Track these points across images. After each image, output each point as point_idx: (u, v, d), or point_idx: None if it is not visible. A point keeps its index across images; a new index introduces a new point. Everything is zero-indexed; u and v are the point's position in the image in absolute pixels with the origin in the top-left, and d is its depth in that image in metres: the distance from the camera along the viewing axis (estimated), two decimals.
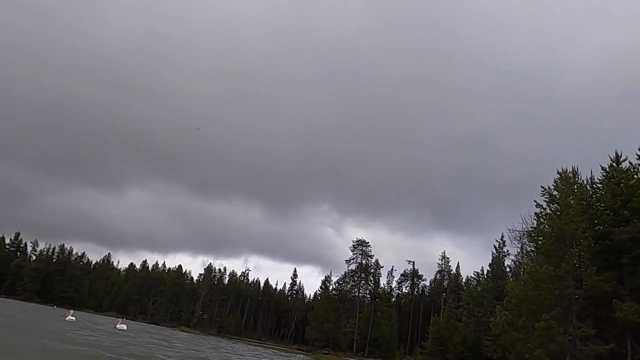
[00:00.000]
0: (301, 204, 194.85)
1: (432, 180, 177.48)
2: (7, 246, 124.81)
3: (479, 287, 60.33)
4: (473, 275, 66.67)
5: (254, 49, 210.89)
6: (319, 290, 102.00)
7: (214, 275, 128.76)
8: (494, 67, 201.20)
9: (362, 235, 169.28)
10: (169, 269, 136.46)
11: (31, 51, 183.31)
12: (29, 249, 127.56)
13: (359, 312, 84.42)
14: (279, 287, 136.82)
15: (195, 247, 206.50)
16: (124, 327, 36.09)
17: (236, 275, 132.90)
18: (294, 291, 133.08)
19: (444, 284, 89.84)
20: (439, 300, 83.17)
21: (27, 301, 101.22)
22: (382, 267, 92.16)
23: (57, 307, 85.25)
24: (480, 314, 52.64)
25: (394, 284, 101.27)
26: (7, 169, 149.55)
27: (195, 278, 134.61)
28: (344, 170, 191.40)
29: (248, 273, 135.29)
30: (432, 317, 75.50)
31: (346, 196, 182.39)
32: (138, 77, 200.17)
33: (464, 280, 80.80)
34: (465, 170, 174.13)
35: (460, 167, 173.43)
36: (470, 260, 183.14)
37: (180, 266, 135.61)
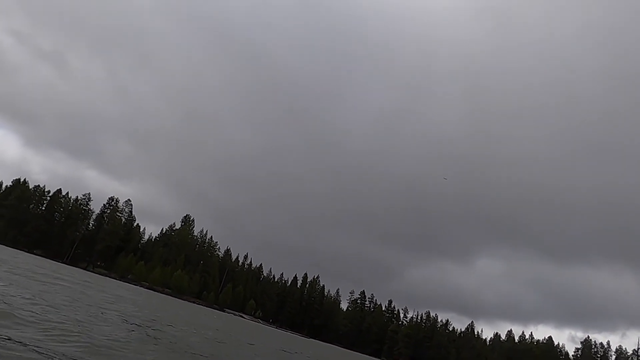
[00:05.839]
0: None
1: None
2: (383, 312, 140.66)
3: None
4: None
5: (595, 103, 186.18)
6: None
7: (595, 352, 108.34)
8: None
9: None
10: (537, 341, 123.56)
11: (387, 149, 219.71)
12: (401, 315, 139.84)
13: None
14: None
15: (559, 317, 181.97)
16: None
17: (625, 353, 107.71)
18: None
19: None
20: None
21: None
22: None
23: None
24: None
25: None
26: (380, 249, 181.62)
27: (571, 353, 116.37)
28: None
29: None
30: None
31: None
32: (471, 153, 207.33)
33: None
34: None
35: None
36: None
37: (550, 338, 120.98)
